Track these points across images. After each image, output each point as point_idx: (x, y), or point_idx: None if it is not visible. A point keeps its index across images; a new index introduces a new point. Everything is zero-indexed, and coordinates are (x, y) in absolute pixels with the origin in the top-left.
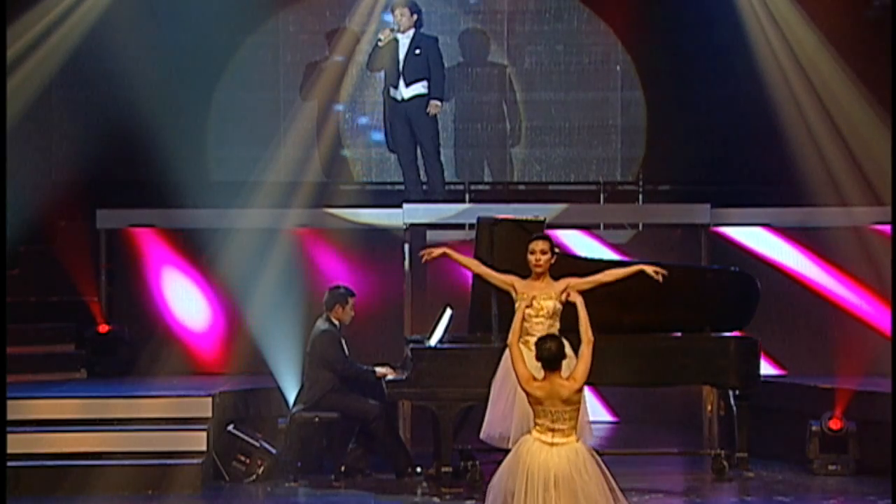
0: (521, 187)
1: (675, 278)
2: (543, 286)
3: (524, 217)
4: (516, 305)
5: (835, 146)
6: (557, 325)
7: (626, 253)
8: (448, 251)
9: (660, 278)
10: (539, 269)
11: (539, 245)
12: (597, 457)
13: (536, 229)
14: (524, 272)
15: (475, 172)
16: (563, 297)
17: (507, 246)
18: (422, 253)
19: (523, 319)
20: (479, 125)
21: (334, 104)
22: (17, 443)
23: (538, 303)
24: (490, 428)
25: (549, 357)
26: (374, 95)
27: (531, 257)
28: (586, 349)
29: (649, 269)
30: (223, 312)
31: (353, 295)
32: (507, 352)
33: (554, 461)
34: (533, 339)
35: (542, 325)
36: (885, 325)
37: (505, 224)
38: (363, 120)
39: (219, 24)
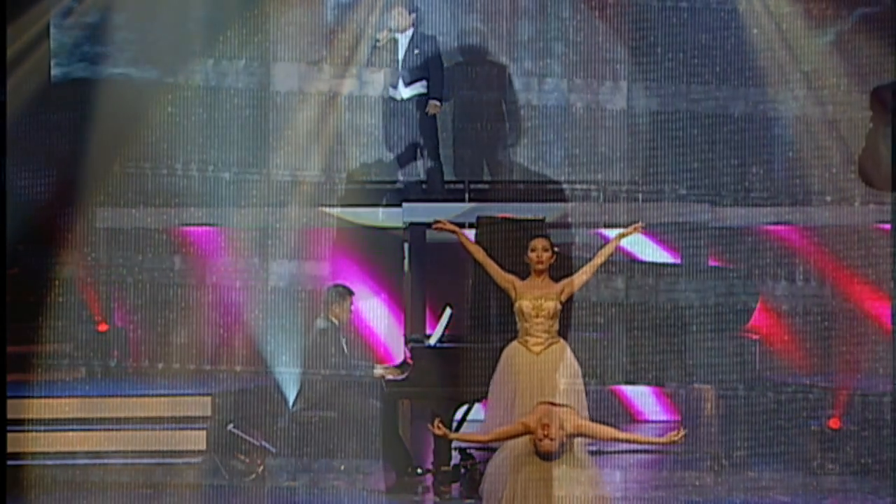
0: (521, 187)
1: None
2: (544, 286)
3: (524, 217)
4: (515, 307)
5: (835, 146)
6: (557, 326)
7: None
8: (459, 231)
9: (638, 231)
10: (540, 267)
11: (540, 243)
12: (590, 459)
13: (536, 229)
14: (524, 272)
15: (475, 172)
16: (564, 297)
17: (506, 246)
18: (436, 220)
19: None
20: (478, 125)
21: (334, 103)
22: (17, 443)
23: (539, 303)
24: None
25: None
26: (374, 95)
27: (532, 255)
28: (606, 432)
29: (628, 231)
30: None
31: (350, 293)
32: (504, 353)
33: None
34: (533, 340)
35: (542, 326)
36: None
37: (505, 224)
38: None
39: (219, 24)
